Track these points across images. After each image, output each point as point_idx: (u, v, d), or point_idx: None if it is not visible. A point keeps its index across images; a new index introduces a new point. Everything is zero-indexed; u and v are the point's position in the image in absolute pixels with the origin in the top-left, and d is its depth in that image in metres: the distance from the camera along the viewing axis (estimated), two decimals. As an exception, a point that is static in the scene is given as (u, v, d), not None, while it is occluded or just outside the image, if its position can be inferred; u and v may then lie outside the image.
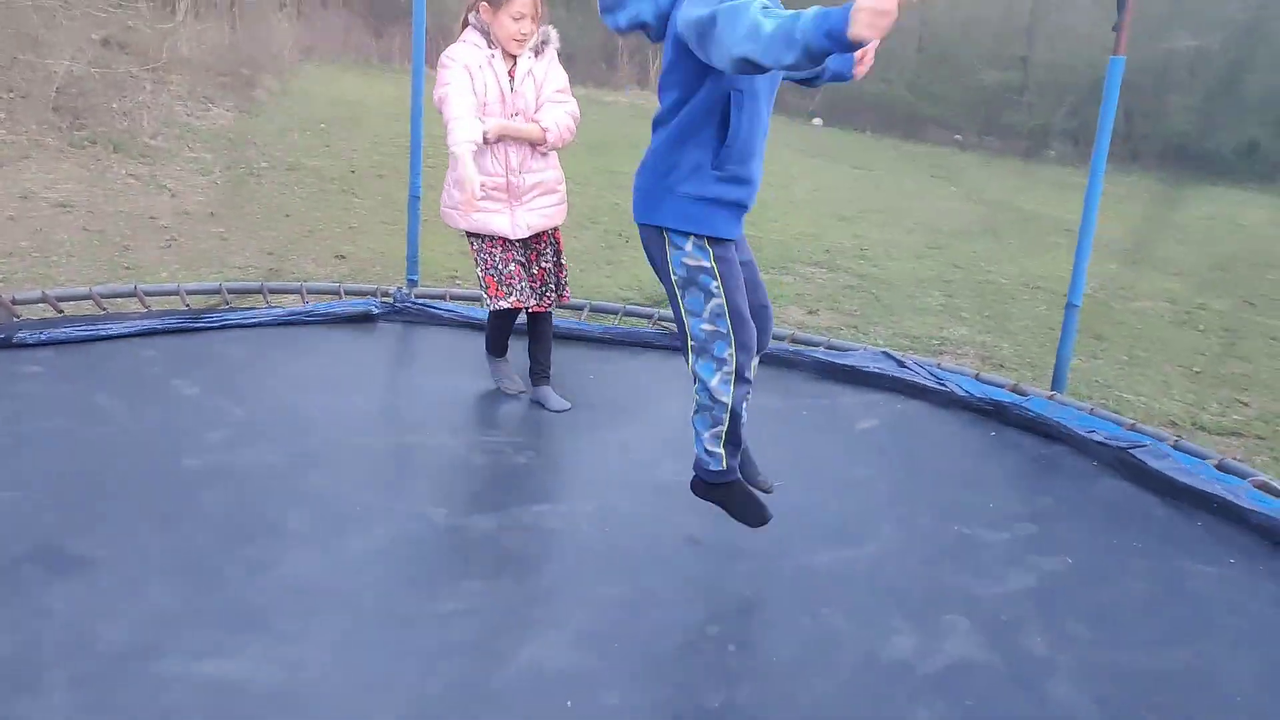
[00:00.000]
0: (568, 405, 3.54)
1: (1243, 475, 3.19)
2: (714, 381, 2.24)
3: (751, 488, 2.50)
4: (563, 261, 3.51)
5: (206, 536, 2.49)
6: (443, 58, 3.20)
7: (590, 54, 15.51)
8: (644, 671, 2.13)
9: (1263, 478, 3.18)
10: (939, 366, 4.03)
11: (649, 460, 3.13)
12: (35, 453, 2.85)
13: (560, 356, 3.79)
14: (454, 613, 2.27)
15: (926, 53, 14.59)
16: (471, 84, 3.16)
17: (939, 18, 14.32)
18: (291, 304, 4.39)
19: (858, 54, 2.34)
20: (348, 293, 4.47)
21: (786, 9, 1.91)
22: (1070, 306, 3.90)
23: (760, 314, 2.43)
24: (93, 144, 7.14)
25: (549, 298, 3.47)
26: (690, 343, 2.26)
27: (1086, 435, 3.40)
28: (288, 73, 10.39)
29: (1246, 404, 4.54)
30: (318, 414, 3.26)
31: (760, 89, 2.20)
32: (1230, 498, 2.97)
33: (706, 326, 2.22)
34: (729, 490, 2.43)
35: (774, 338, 4.32)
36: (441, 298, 4.48)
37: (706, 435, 2.33)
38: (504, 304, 3.35)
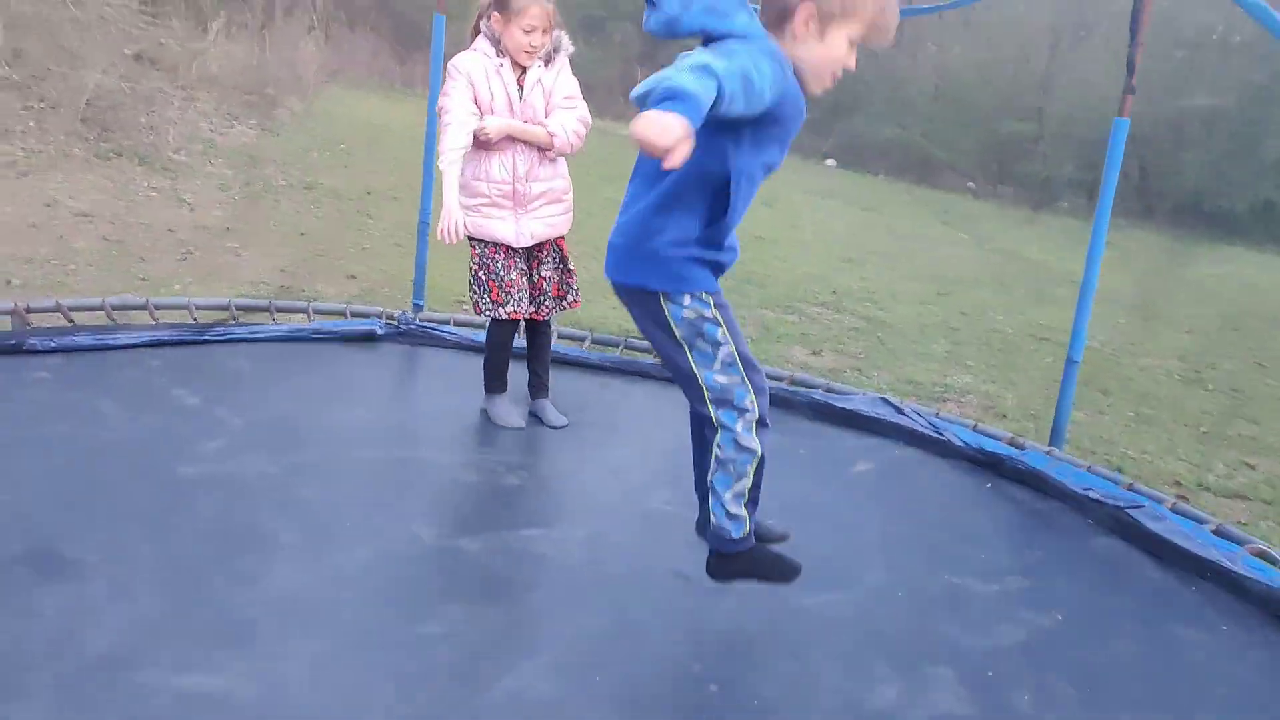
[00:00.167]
0: (565, 421, 3.56)
1: (1240, 542, 3.17)
2: (739, 429, 2.16)
3: (769, 543, 2.41)
4: (570, 268, 3.53)
5: (197, 545, 2.51)
6: (449, 66, 3.25)
7: (607, 86, 15.68)
8: (623, 705, 2.13)
9: (1260, 545, 3.15)
10: (937, 416, 4.04)
11: (641, 487, 3.14)
12: (35, 456, 2.89)
13: (559, 379, 3.82)
14: (436, 635, 2.27)
15: (942, 100, 14.70)
16: (474, 94, 3.20)
17: (956, 65, 14.45)
18: (298, 323, 4.44)
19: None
20: (354, 314, 4.52)
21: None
22: (1070, 362, 3.90)
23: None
24: (118, 156, 7.26)
25: (547, 306, 3.49)
26: (707, 395, 2.18)
27: (1083, 493, 3.38)
28: (312, 94, 10.54)
29: (1253, 466, 4.52)
30: (314, 428, 3.29)
31: (757, 172, 2.13)
32: (1226, 564, 2.95)
33: (721, 378, 2.15)
34: (753, 558, 2.32)
35: (774, 378, 4.37)
36: (446, 322, 4.52)
37: (728, 496, 2.22)
38: (502, 311, 3.36)
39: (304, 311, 4.50)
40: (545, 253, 3.46)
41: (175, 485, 2.80)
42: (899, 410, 3.98)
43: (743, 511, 2.23)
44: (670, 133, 1.61)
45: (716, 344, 2.14)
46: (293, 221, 6.80)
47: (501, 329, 3.47)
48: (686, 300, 2.12)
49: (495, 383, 3.54)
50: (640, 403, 3.99)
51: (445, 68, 3.35)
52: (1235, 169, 11.47)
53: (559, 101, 3.33)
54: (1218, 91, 11.23)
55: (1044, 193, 12.82)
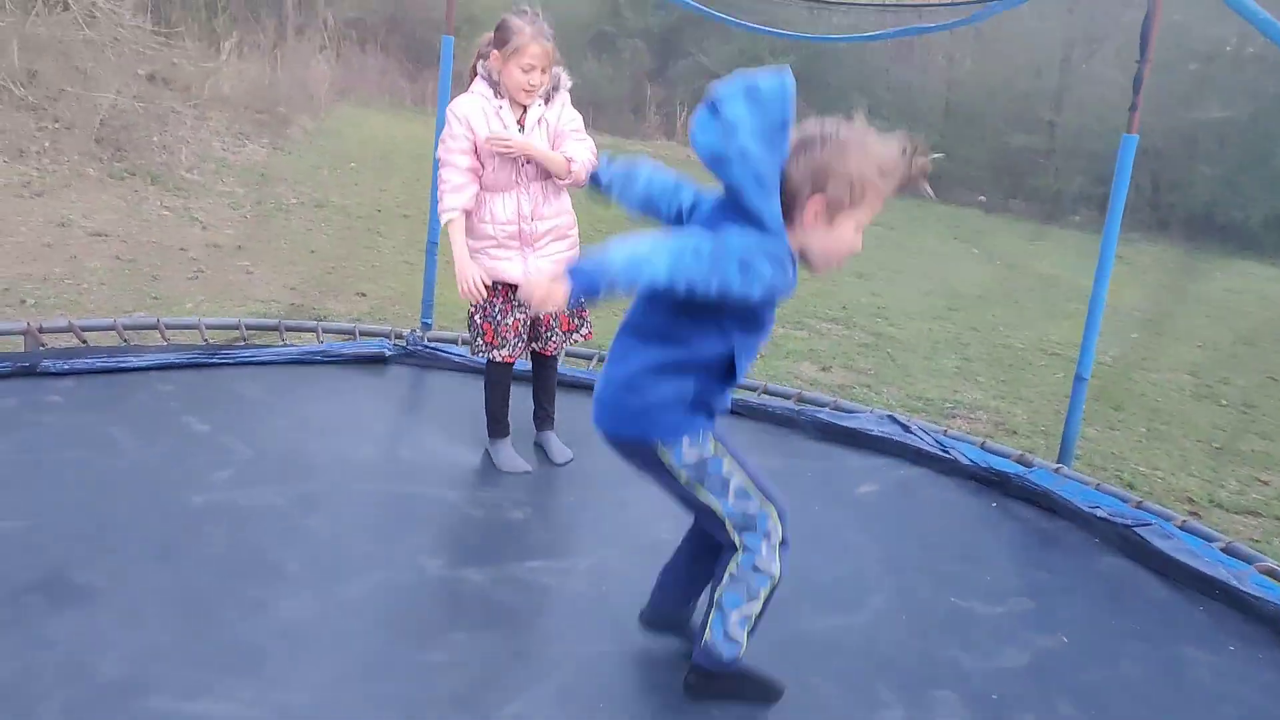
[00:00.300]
0: (570, 456, 3.55)
1: (1249, 560, 3.14)
2: (763, 551, 2.10)
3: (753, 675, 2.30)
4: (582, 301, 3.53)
5: (206, 574, 2.52)
6: (448, 112, 3.24)
7: (617, 104, 15.75)
8: (627, 733, 2.13)
9: (1270, 563, 3.12)
10: (944, 434, 4.02)
11: (646, 518, 3.12)
12: (48, 483, 2.92)
13: (565, 404, 3.81)
14: (441, 664, 2.27)
15: (953, 114, 14.68)
16: (474, 142, 3.19)
17: (966, 79, 14.45)
18: (308, 341, 4.46)
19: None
20: (363, 333, 4.54)
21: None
22: (1079, 379, 3.89)
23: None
24: (131, 175, 7.33)
25: (555, 342, 3.47)
26: (728, 525, 2.11)
27: (1090, 511, 3.36)
28: (323, 112, 10.63)
29: (1266, 483, 4.48)
30: (322, 457, 3.31)
31: (753, 341, 2.07)
32: (1234, 583, 2.92)
33: (739, 506, 2.09)
34: (738, 678, 2.23)
35: (781, 396, 4.36)
36: (454, 342, 4.53)
37: (735, 616, 2.14)
38: (497, 355, 3.34)
39: (313, 331, 4.52)
40: None
41: (185, 514, 2.82)
42: (906, 428, 3.97)
43: (743, 638, 2.16)
44: (551, 303, 1.75)
45: (725, 479, 2.07)
46: (303, 239, 6.84)
47: (498, 370, 3.43)
48: (685, 444, 2.05)
49: (497, 426, 3.49)
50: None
51: (450, 98, 3.35)
52: (1249, 181, 11.40)
53: (569, 134, 3.30)
54: (1231, 104, 11.18)
55: (1055, 207, 12.77)
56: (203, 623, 2.32)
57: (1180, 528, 3.33)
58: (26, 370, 3.65)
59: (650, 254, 1.77)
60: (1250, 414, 5.64)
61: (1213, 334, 7.66)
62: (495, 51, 3.17)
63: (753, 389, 4.39)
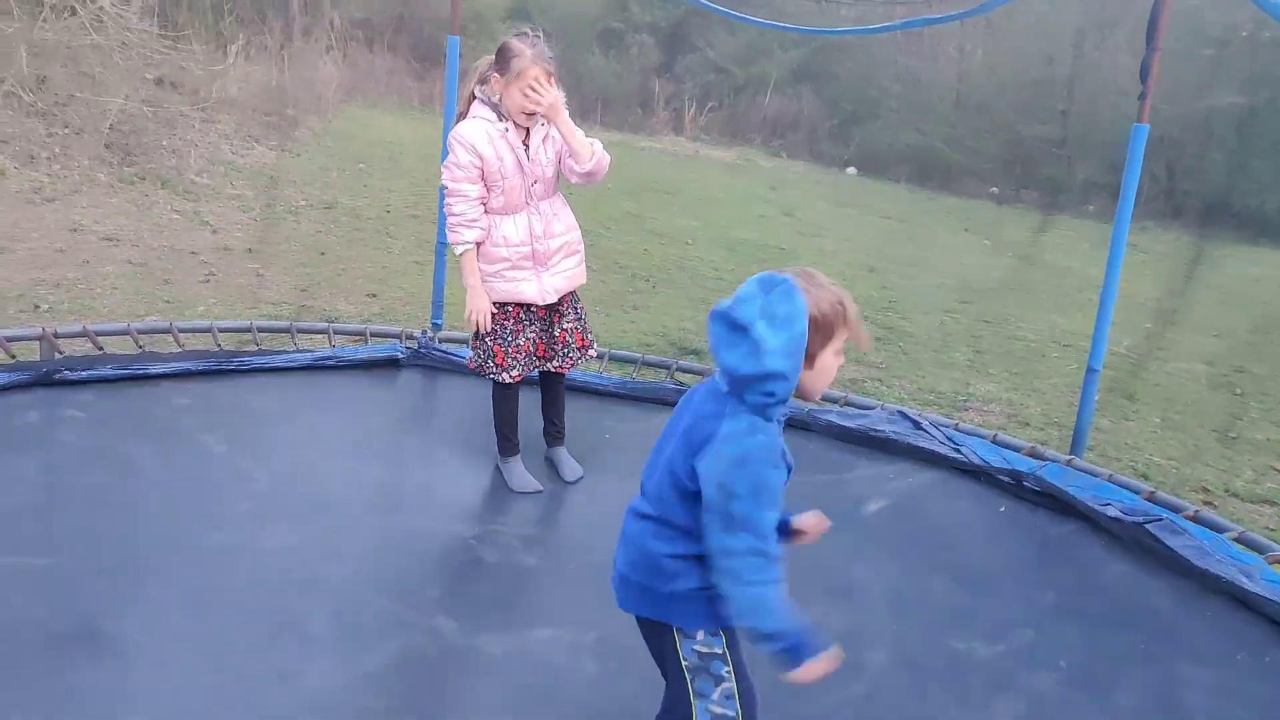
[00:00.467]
0: (581, 473, 3.55)
1: (1261, 550, 3.11)
2: None
3: None
4: (584, 319, 3.53)
5: (233, 628, 2.56)
6: (451, 140, 3.21)
7: (625, 100, 15.71)
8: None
9: (1281, 554, 3.10)
10: (956, 429, 3.98)
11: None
12: (70, 513, 2.97)
13: (576, 411, 3.78)
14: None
15: (964, 104, 14.60)
16: (482, 169, 3.18)
17: (977, 69, 14.36)
18: (319, 342, 4.47)
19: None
20: (374, 335, 4.55)
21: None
22: (1091, 371, 3.86)
23: None
24: (141, 180, 7.37)
25: (571, 359, 3.47)
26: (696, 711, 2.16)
27: (1101, 509, 3.32)
28: (331, 113, 10.65)
29: (1281, 472, 4.46)
30: (337, 485, 3.33)
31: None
32: (1243, 581, 2.89)
33: (715, 709, 2.12)
34: None
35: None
36: (465, 342, 4.54)
37: None
38: (507, 376, 3.33)
39: (324, 333, 4.53)
40: (566, 305, 3.44)
41: (208, 555, 2.86)
42: (917, 425, 3.94)
43: None
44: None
45: (719, 679, 2.11)
46: (313, 241, 6.86)
47: (507, 390, 3.43)
48: (700, 635, 2.09)
49: (508, 445, 3.49)
50: (655, 436, 3.94)
51: (457, 92, 3.34)
52: (1264, 168, 11.28)
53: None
54: (1246, 90, 11.06)
55: (1068, 197, 12.69)
56: (231, 687, 2.34)
57: (1192, 519, 3.30)
58: (45, 379, 3.69)
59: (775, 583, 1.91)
60: (1265, 402, 5.60)
61: (1228, 322, 7.60)
62: (496, 75, 3.16)
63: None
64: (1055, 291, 8.30)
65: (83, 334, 4.07)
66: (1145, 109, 3.48)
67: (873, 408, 4.19)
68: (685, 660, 2.12)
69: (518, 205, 3.26)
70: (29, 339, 4.01)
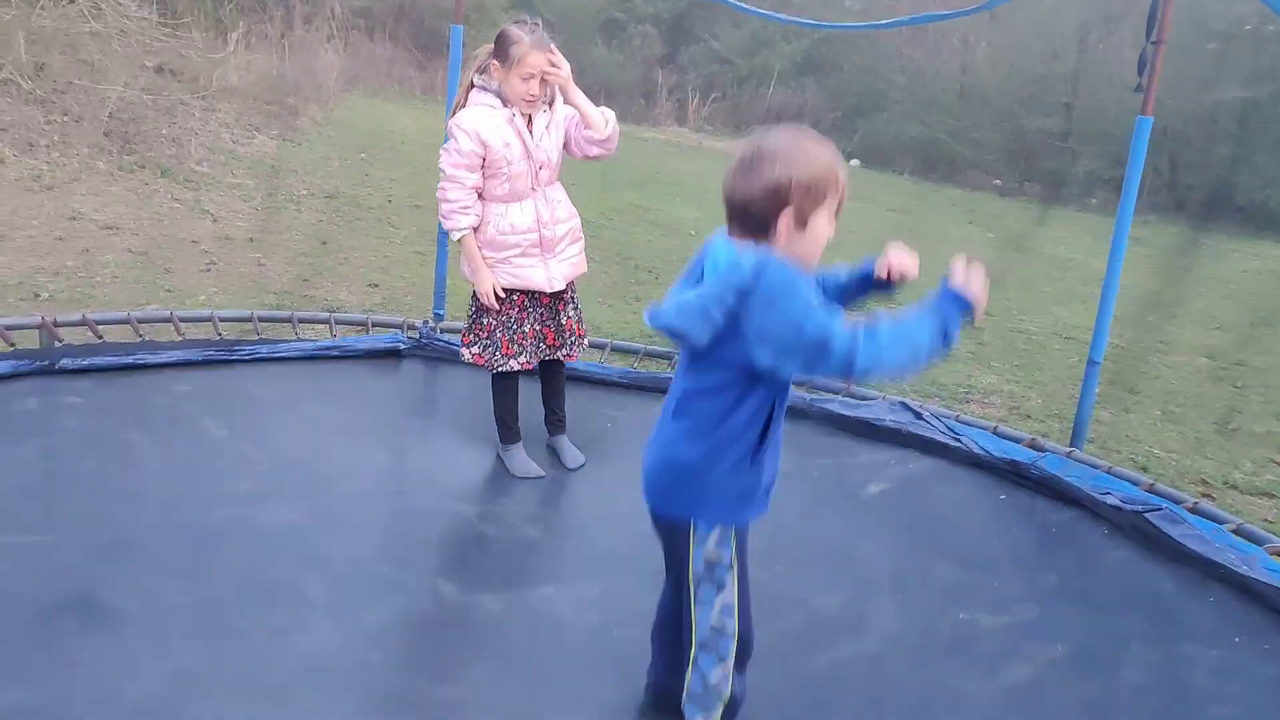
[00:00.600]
0: (583, 460, 3.55)
1: (1260, 541, 3.12)
2: (714, 678, 2.13)
3: None
4: (580, 309, 3.55)
5: (230, 597, 2.55)
6: (454, 126, 3.19)
7: (629, 90, 15.67)
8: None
9: (1280, 545, 3.11)
10: (957, 420, 3.99)
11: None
12: (70, 494, 2.96)
13: (577, 401, 3.79)
14: (456, 700, 2.29)
15: (967, 97, 14.55)
16: (485, 156, 3.18)
17: (980, 62, 14.32)
18: (321, 332, 4.46)
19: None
20: (375, 324, 4.54)
21: None
22: (1091, 363, 3.85)
23: None
24: (141, 168, 7.34)
25: (578, 346, 3.48)
26: (694, 634, 2.14)
27: (1101, 498, 3.33)
28: (332, 102, 10.62)
29: (1281, 464, 4.45)
30: (338, 468, 3.32)
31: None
32: (1243, 569, 2.91)
33: (714, 622, 2.12)
34: None
35: (793, 385, 4.33)
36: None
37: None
38: (514, 364, 3.33)
39: (325, 322, 4.53)
40: (569, 293, 3.46)
41: (207, 531, 2.85)
42: (918, 415, 3.94)
43: None
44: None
45: (721, 588, 2.11)
46: (315, 231, 6.84)
47: (507, 379, 3.43)
48: (712, 541, 2.07)
49: (509, 433, 3.49)
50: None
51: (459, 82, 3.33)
52: (1268, 162, 11.25)
53: (575, 117, 3.31)
54: (1250, 84, 11.03)
55: (1071, 189, 12.66)
56: (229, 649, 2.34)
57: (1191, 511, 3.31)
58: (45, 369, 3.68)
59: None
60: (1266, 395, 5.59)
61: (1229, 315, 7.58)
62: (495, 63, 3.16)
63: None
64: (1058, 284, 8.28)
65: (82, 323, 4.07)
66: (1149, 102, 3.47)
67: (874, 398, 4.18)
68: (694, 567, 2.10)
69: (524, 192, 3.26)
70: (28, 327, 4.00)
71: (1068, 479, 3.48)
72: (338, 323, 4.52)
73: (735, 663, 2.14)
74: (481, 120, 3.16)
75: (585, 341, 3.57)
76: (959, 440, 3.77)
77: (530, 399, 3.57)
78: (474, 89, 3.24)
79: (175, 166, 7.55)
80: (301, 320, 4.51)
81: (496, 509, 3.23)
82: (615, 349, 4.65)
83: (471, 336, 3.39)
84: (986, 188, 13.48)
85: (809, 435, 3.90)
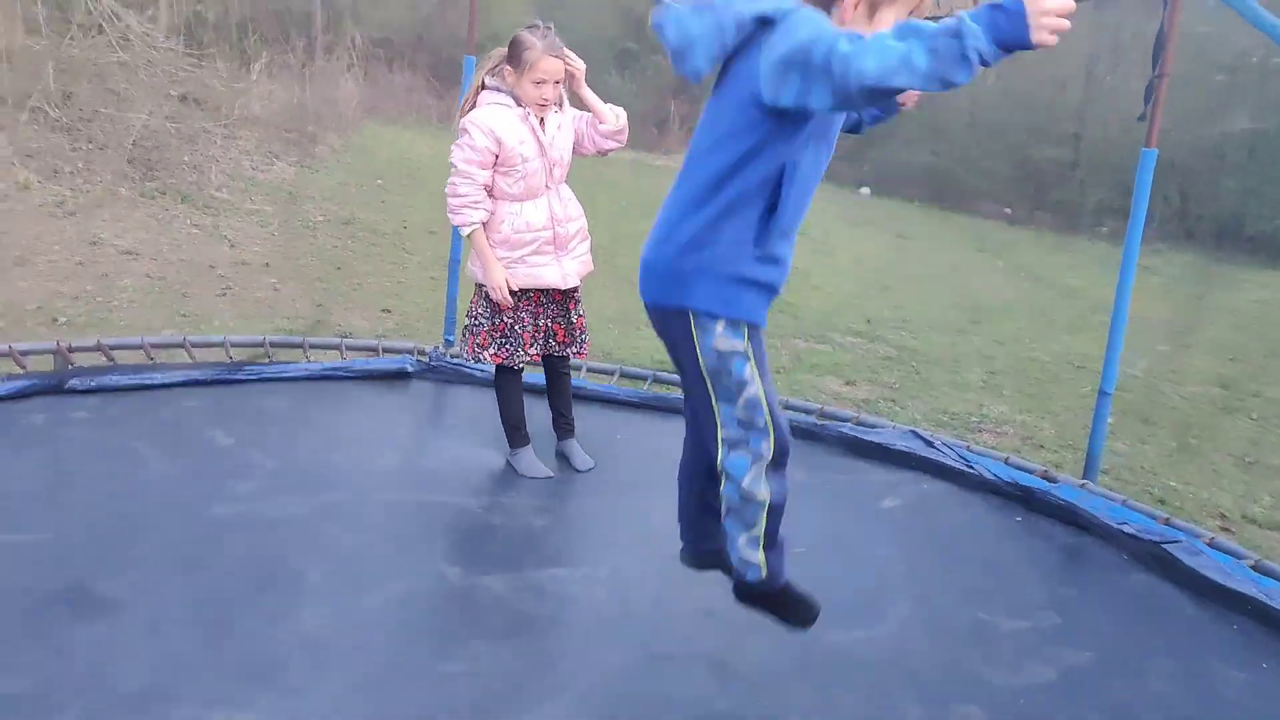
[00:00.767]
0: (592, 463, 3.58)
1: (1279, 577, 3.09)
2: (747, 480, 2.01)
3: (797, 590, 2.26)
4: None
5: (228, 584, 2.56)
6: (468, 123, 3.23)
7: (641, 119, 15.79)
8: (646, 745, 2.12)
9: (1301, 579, 3.08)
10: (969, 449, 3.99)
11: (668, 526, 3.11)
12: (73, 497, 2.97)
13: (587, 416, 3.83)
14: (459, 674, 2.28)
15: (977, 126, 14.61)
16: (499, 154, 3.23)
17: (989, 93, 14.38)
18: (332, 357, 4.51)
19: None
20: (386, 350, 4.58)
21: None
22: (1102, 394, 3.85)
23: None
24: (162, 195, 7.45)
25: (586, 344, 3.55)
26: (721, 435, 2.02)
27: (1117, 527, 3.32)
28: (350, 130, 10.75)
29: (1299, 497, 4.42)
30: (344, 468, 3.34)
31: (820, 158, 2.01)
32: (1265, 599, 2.88)
33: (742, 416, 1.99)
34: (777, 598, 2.20)
35: (803, 410, 4.35)
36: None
37: (741, 541, 2.09)
38: (529, 355, 3.40)
39: (337, 348, 4.57)
40: (579, 292, 3.52)
41: (208, 526, 2.86)
42: (929, 443, 3.95)
43: (758, 557, 2.10)
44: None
45: (742, 383, 1.98)
46: (330, 256, 6.92)
47: (511, 380, 3.49)
48: (719, 329, 1.95)
49: (517, 435, 3.53)
50: (668, 439, 3.97)
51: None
52: (1277, 192, 11.24)
53: (586, 115, 3.44)
54: (1258, 115, 11.04)
55: (1081, 219, 12.67)
56: (224, 633, 2.35)
57: (1209, 545, 3.28)
58: (55, 388, 3.72)
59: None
60: (1282, 427, 5.56)
61: (1243, 345, 7.55)
62: (508, 67, 3.23)
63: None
64: (1068, 312, 8.27)
65: (96, 347, 4.11)
66: (1153, 134, 3.49)
67: (885, 427, 4.19)
68: (704, 360, 1.98)
69: (539, 189, 3.32)
70: (42, 352, 4.04)
71: (1082, 507, 3.47)
72: (349, 348, 4.56)
73: (771, 461, 2.00)
74: (496, 117, 3.22)
75: (589, 338, 3.62)
76: (971, 467, 3.77)
77: (535, 407, 3.62)
78: (485, 89, 3.30)
79: (195, 193, 7.65)
80: (313, 346, 4.56)
81: (504, 501, 3.26)
82: (625, 375, 4.68)
83: (487, 338, 3.41)
84: (996, 216, 13.50)
85: (820, 455, 3.92)
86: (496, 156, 3.23)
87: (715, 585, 2.61)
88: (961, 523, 3.49)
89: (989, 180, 13.69)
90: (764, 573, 2.13)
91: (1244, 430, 5.44)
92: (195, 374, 4.01)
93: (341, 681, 2.22)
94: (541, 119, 3.29)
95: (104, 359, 4.10)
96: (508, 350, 3.40)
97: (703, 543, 2.33)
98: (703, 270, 1.94)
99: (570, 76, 3.31)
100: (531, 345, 3.41)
